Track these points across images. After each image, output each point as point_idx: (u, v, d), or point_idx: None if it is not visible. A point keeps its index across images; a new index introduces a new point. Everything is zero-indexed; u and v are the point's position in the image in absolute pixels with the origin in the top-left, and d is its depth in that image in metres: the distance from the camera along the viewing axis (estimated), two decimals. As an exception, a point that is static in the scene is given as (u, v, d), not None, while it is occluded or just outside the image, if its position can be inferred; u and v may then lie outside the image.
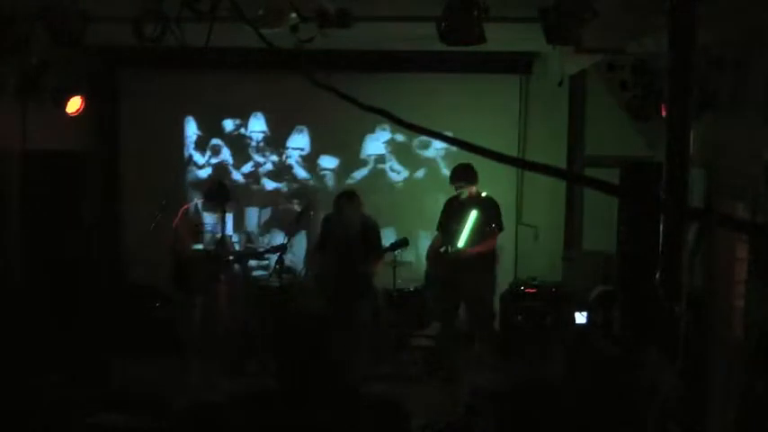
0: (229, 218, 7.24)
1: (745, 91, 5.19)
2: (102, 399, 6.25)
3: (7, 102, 6.82)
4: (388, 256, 7.35)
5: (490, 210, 7.04)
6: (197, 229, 7.18)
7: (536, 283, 7.74)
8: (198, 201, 7.38)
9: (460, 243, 6.95)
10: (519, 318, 7.50)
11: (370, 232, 6.91)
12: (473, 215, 6.95)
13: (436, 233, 7.33)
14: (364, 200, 7.05)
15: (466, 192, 6.99)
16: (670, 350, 4.51)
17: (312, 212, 7.92)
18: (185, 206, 7.35)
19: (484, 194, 7.12)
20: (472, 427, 4.88)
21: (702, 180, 5.56)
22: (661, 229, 4.63)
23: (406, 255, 7.89)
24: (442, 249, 7.05)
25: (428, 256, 7.28)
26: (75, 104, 7.11)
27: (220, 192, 7.20)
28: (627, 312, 4.87)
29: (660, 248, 4.63)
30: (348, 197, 6.92)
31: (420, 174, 8.68)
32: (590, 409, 4.18)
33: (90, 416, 5.49)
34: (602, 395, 4.26)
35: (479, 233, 6.95)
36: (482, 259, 6.98)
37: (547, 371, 5.96)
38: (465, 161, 7.00)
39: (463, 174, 6.96)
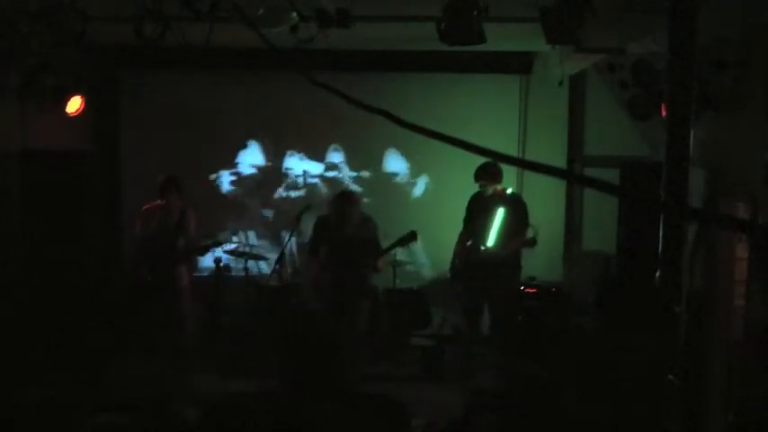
0: (192, 218, 7.03)
1: (745, 91, 5.19)
2: (102, 399, 6.28)
3: (7, 102, 6.82)
4: (388, 256, 7.33)
5: (517, 208, 7.01)
6: (161, 227, 6.94)
7: (536, 283, 7.74)
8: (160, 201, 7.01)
9: (490, 242, 6.92)
10: (519, 318, 7.49)
11: (369, 232, 6.85)
12: (500, 213, 6.91)
13: (463, 228, 7.27)
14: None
15: (490, 189, 6.96)
16: (670, 350, 4.51)
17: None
18: (146, 207, 7.03)
19: (509, 191, 7.10)
20: (472, 427, 4.88)
21: (702, 180, 5.56)
22: (661, 229, 4.63)
23: (406, 255, 7.88)
24: (469, 243, 7.04)
25: (455, 252, 7.22)
26: (75, 104, 7.10)
27: (166, 186, 6.85)
28: (627, 312, 4.87)
29: (660, 248, 4.62)
30: (348, 197, 6.86)
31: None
32: (589, 407, 4.19)
33: (90, 416, 5.49)
34: (601, 394, 4.26)
35: (507, 232, 6.91)
36: (510, 259, 6.96)
37: (547, 371, 5.96)
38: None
39: (483, 172, 6.92)
